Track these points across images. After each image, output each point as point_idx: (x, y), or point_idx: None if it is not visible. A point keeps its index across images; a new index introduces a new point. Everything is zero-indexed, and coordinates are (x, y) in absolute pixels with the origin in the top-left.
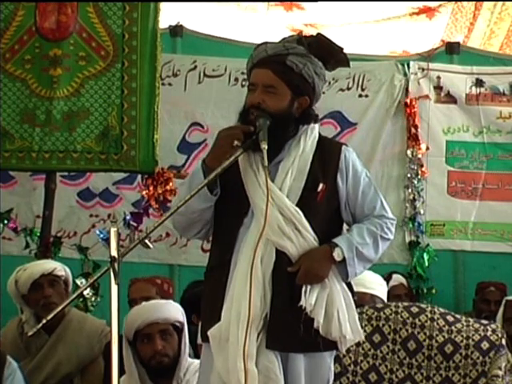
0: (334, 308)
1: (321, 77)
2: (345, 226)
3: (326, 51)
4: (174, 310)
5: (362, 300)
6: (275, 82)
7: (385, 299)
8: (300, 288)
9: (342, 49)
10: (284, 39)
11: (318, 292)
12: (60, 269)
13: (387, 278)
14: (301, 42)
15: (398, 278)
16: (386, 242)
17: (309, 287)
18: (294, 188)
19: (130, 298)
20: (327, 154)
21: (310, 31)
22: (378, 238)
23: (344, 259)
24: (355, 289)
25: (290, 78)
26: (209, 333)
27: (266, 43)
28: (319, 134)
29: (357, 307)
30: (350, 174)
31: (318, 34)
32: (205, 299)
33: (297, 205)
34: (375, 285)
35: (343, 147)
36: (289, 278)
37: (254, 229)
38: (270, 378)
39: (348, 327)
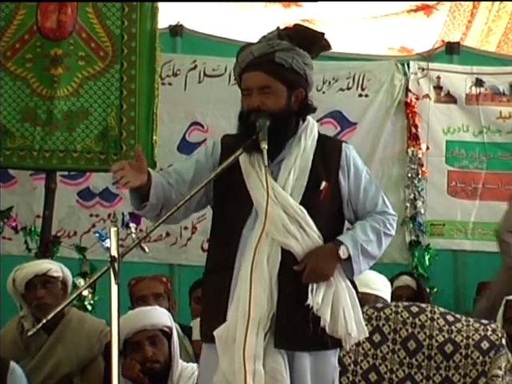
0: (339, 306)
1: (310, 66)
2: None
3: (307, 39)
4: (160, 316)
5: (367, 301)
6: (269, 82)
7: (389, 300)
8: (306, 287)
9: (323, 34)
10: (264, 37)
11: (324, 290)
12: (56, 269)
13: (395, 278)
14: (281, 36)
15: (404, 280)
16: (389, 237)
17: (315, 286)
18: (296, 187)
19: (138, 295)
20: (328, 152)
21: None
22: (381, 235)
23: (349, 257)
24: (359, 289)
25: (282, 75)
26: (215, 333)
27: (249, 45)
28: (318, 133)
29: (361, 307)
30: (351, 171)
31: (296, 24)
32: (205, 301)
33: (300, 203)
34: (380, 286)
35: (343, 145)
36: (295, 277)
37: (257, 229)
38: (277, 379)
39: (353, 325)
